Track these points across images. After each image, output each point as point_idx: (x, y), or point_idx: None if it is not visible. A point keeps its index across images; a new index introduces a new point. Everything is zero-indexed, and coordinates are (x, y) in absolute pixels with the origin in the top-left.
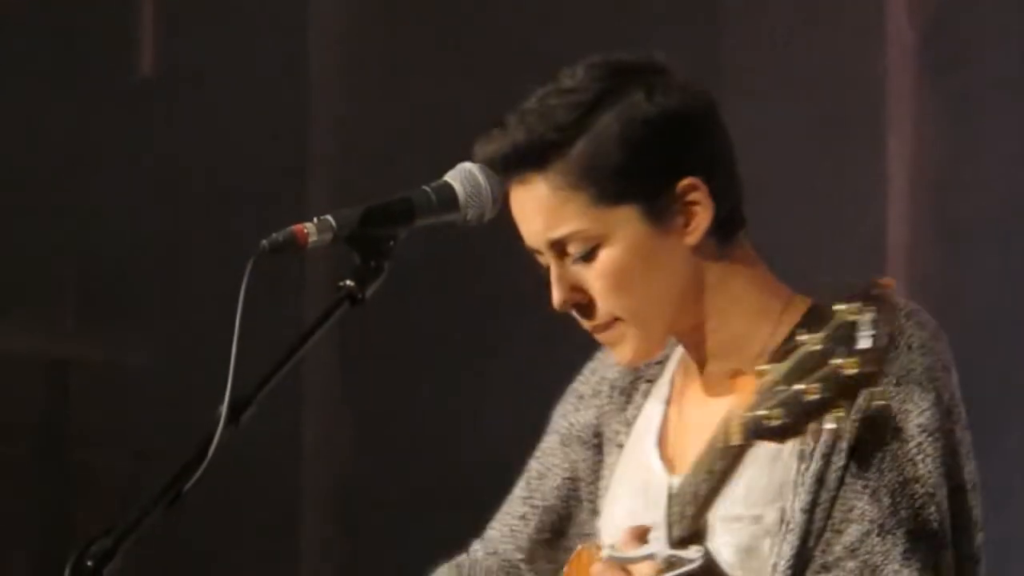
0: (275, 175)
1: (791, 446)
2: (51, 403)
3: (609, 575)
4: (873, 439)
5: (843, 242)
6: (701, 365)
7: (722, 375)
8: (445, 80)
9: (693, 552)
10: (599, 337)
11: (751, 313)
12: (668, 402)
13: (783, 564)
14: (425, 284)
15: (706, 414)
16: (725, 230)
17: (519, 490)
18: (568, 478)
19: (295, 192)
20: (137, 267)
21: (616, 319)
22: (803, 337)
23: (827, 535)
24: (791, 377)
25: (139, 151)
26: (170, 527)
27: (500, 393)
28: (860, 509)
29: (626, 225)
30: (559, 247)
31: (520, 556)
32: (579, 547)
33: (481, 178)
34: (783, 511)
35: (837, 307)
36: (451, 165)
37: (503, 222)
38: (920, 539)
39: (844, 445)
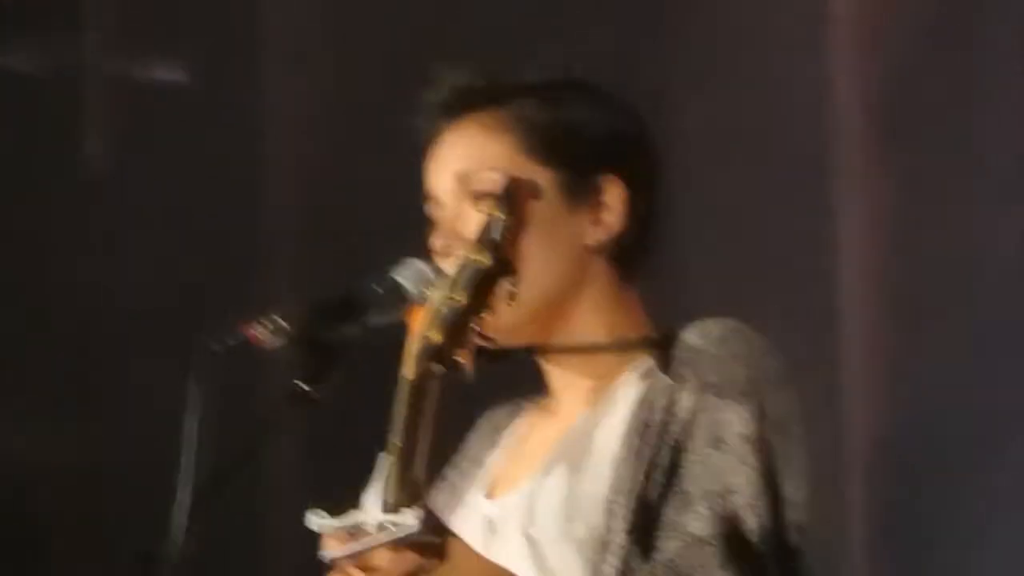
0: (233, 270)
1: (607, 461)
2: (27, 507)
3: (327, 542)
4: (692, 449)
5: (792, 310)
6: (556, 394)
7: (565, 405)
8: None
9: (409, 517)
10: None
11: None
12: (508, 452)
13: None
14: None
15: (540, 442)
16: (625, 258)
17: None
18: None
19: (254, 285)
20: (107, 367)
21: None
22: (463, 250)
23: (648, 551)
24: (447, 292)
25: (93, 256)
26: None
27: None
28: (678, 521)
29: (540, 185)
30: (462, 184)
31: None
32: None
33: (430, 273)
34: (588, 528)
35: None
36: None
37: None
38: (739, 550)
39: (664, 460)
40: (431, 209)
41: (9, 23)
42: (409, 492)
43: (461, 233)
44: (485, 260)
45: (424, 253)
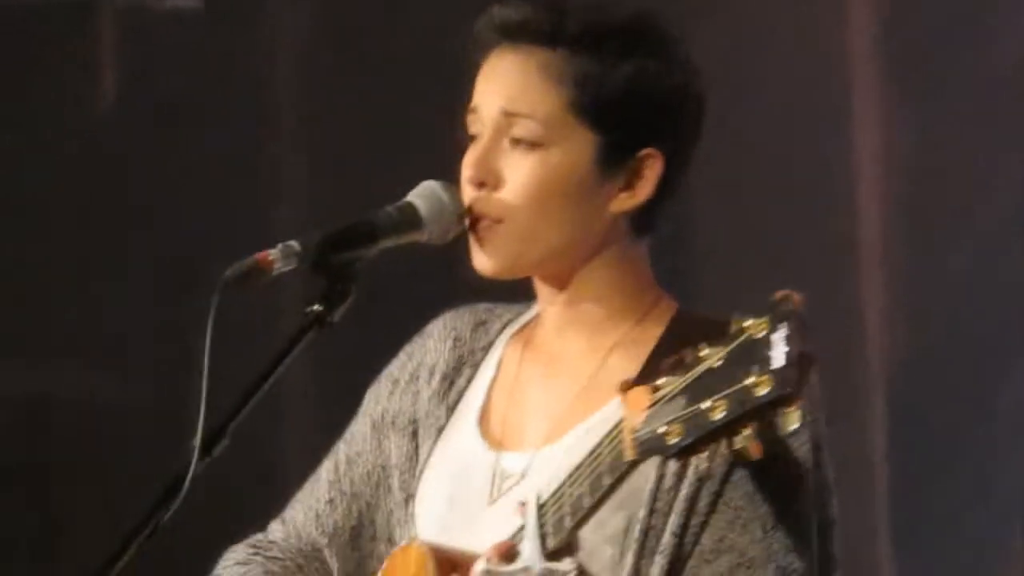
0: (244, 206)
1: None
2: (31, 440)
3: None
4: (747, 469)
5: (813, 239)
6: (552, 335)
7: (571, 356)
8: (408, 97)
9: (567, 564)
10: (473, 234)
11: (618, 301)
12: (492, 385)
13: None
14: (402, 301)
15: (548, 392)
16: (642, 222)
17: (326, 473)
18: (380, 466)
19: (265, 222)
20: (112, 301)
21: (500, 221)
22: (705, 352)
23: (692, 563)
24: (693, 393)
25: (106, 189)
26: (150, 560)
27: None
28: (731, 540)
29: (579, 146)
30: (507, 122)
31: (324, 541)
32: (401, 544)
33: (444, 195)
34: (631, 520)
35: (745, 323)
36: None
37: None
38: (790, 574)
39: (718, 470)
40: (471, 122)
41: None
42: (571, 544)
43: (493, 168)
44: (764, 387)
45: (439, 178)
